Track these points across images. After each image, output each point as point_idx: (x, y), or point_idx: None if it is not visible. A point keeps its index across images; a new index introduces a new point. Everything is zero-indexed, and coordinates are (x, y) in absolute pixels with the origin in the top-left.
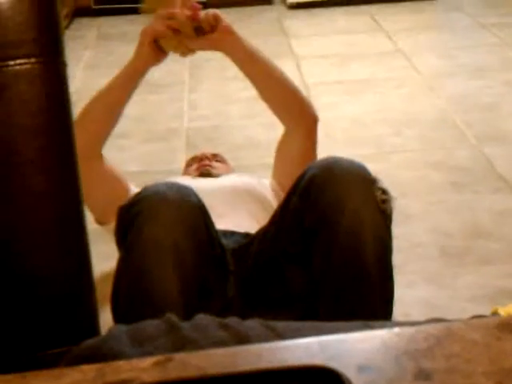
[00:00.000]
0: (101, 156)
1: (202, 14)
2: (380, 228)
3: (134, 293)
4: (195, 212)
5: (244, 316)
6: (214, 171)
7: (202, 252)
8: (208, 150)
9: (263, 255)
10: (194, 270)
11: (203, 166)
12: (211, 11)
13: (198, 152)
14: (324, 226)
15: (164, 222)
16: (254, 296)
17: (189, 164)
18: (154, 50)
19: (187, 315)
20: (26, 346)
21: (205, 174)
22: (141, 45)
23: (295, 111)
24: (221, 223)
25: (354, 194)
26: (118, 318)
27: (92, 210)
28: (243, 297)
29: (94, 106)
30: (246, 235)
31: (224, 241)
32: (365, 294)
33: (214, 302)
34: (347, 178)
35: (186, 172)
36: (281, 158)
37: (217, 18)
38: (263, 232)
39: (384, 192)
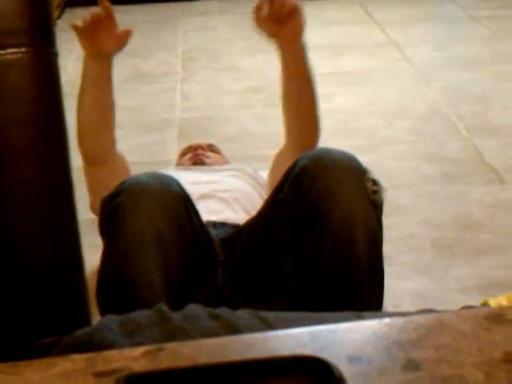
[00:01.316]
0: (115, 157)
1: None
2: (371, 219)
3: (118, 284)
4: (177, 201)
5: (232, 306)
6: (207, 160)
7: (186, 241)
8: (201, 140)
9: (253, 245)
10: (179, 260)
11: (197, 155)
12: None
13: (192, 142)
14: (315, 216)
15: (146, 211)
16: (242, 286)
17: (183, 153)
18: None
19: (172, 305)
20: (17, 336)
21: (198, 163)
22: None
23: (306, 134)
24: (211, 215)
25: (345, 184)
26: (103, 309)
27: (95, 200)
28: (232, 287)
29: (82, 112)
30: (237, 226)
31: (214, 231)
32: (355, 285)
33: (201, 291)
34: (338, 169)
35: (180, 161)
36: (277, 172)
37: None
38: (253, 222)
39: (375, 183)
